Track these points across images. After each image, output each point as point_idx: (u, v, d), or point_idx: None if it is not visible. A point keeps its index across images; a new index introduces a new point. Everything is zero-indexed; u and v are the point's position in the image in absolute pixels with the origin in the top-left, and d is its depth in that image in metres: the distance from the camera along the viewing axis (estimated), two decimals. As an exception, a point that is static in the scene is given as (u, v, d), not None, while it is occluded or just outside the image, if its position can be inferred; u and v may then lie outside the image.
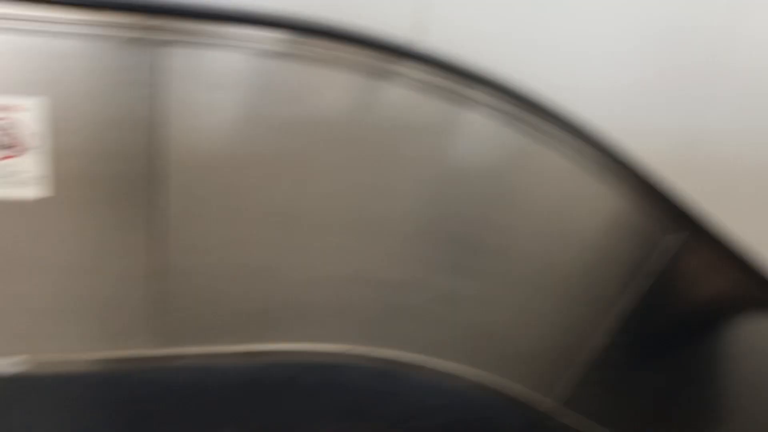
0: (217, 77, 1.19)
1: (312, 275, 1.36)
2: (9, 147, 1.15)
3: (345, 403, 1.45)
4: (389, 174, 1.33)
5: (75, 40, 1.11)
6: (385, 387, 1.46)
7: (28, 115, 1.14)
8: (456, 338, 1.48)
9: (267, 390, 1.39)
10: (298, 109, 1.24)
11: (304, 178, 1.29)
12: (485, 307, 1.47)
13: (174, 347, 1.32)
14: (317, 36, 1.21)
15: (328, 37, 1.21)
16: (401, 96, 1.28)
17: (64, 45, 1.12)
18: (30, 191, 1.18)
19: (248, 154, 1.25)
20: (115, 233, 1.23)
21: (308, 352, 1.40)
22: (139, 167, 1.20)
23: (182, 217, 1.25)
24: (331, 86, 1.25)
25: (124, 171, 1.20)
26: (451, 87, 1.30)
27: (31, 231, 1.19)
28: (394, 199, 1.35)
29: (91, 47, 1.13)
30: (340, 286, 1.38)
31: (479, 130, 1.34)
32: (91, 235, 1.22)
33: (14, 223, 1.18)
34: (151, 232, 1.24)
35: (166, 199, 1.23)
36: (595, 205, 1.47)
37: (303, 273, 1.35)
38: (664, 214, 1.45)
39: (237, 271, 1.31)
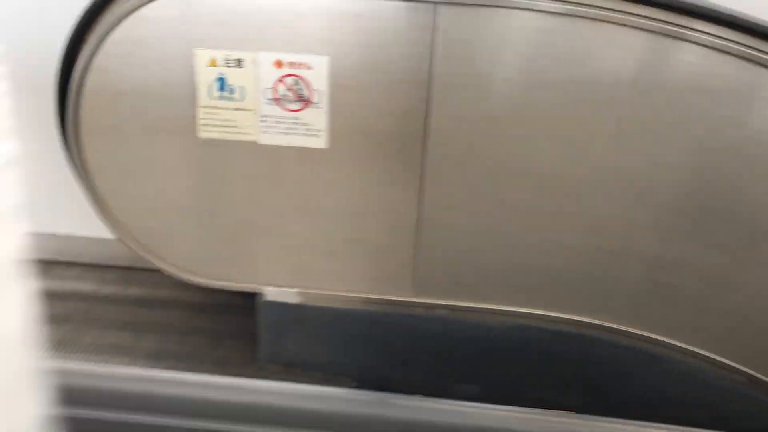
0: (496, 37, 1.18)
1: (568, 243, 1.32)
2: (298, 101, 1.27)
3: (591, 377, 1.41)
4: (667, 141, 1.22)
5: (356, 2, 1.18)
6: (638, 368, 1.38)
7: (314, 72, 1.25)
8: (727, 329, 1.34)
9: (514, 352, 1.41)
10: (576, 70, 1.19)
11: (572, 141, 1.24)
12: (763, 299, 1.31)
13: (427, 297, 1.39)
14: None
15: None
16: (692, 59, 1.16)
17: (347, 5, 1.19)
18: (315, 142, 1.29)
19: (519, 115, 1.23)
20: (386, 186, 1.31)
21: (559, 320, 1.37)
22: (414, 125, 1.25)
23: (445, 173, 1.29)
24: (616, 46, 1.17)
25: (399, 128, 1.26)
26: (751, 50, 1.14)
27: (313, 178, 1.32)
28: (669, 168, 1.24)
29: (374, 7, 1.19)
30: (598, 256, 1.32)
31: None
32: (364, 186, 1.32)
33: (300, 170, 1.32)
34: (418, 186, 1.30)
35: (434, 155, 1.27)
36: None
37: (559, 239, 1.32)
38: None
39: (493, 232, 1.32)
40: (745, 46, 1.15)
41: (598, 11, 1.15)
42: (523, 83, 1.21)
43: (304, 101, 1.26)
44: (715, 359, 1.36)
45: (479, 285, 1.37)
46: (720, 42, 1.15)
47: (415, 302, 1.39)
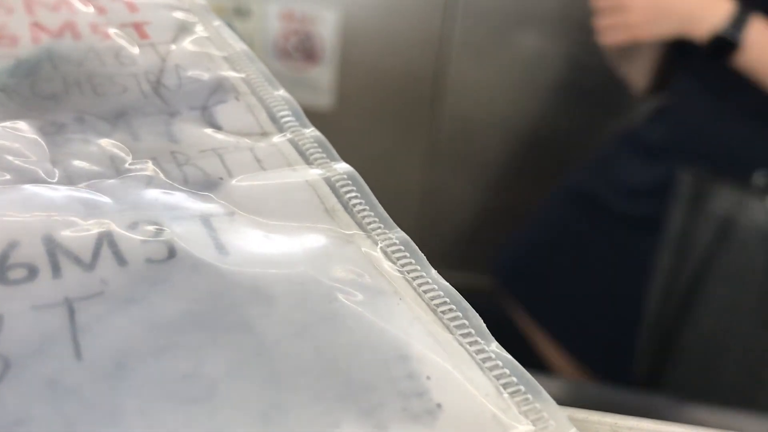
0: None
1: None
2: (306, 56, 1.21)
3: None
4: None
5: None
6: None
7: (325, 27, 1.19)
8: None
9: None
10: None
11: (592, 111, 1.17)
12: None
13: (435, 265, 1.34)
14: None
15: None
16: None
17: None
18: (322, 99, 1.24)
19: (536, 82, 1.17)
20: (392, 150, 1.26)
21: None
22: (424, 86, 1.19)
23: (454, 140, 1.23)
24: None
25: (409, 88, 1.20)
26: None
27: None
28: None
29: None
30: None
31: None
32: (373, 148, 1.26)
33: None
34: (426, 151, 1.24)
35: (444, 119, 1.21)
36: None
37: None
38: None
39: (505, 207, 1.27)
40: None
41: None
42: (543, 48, 1.14)
43: (314, 57, 1.21)
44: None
45: (484, 259, 1.32)
46: None
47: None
